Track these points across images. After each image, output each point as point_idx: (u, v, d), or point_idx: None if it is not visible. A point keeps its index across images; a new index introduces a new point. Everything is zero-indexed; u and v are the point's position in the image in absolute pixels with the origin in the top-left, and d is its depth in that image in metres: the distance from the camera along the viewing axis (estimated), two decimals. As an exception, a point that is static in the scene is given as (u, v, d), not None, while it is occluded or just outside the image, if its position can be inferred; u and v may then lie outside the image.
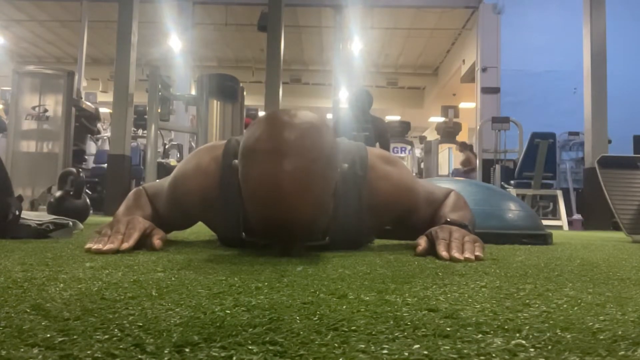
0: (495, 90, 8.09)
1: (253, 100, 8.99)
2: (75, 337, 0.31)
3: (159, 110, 5.96)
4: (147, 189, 1.16)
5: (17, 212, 1.17)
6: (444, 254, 0.88)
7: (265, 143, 0.80)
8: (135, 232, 0.92)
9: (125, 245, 0.89)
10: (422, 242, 0.96)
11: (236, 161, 0.86)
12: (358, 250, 1.07)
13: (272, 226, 0.82)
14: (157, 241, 0.94)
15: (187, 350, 0.29)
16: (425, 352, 0.29)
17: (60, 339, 0.31)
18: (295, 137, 0.79)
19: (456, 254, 0.87)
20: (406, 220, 1.11)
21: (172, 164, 6.30)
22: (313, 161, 0.79)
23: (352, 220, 1.00)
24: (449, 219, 1.01)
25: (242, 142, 0.85)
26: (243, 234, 0.95)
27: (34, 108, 5.59)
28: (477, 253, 0.89)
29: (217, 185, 0.99)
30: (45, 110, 5.61)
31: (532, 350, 0.30)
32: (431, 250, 0.94)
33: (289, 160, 0.77)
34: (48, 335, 0.32)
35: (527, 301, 0.48)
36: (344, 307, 0.43)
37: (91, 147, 7.53)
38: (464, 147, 8.19)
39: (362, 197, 1.00)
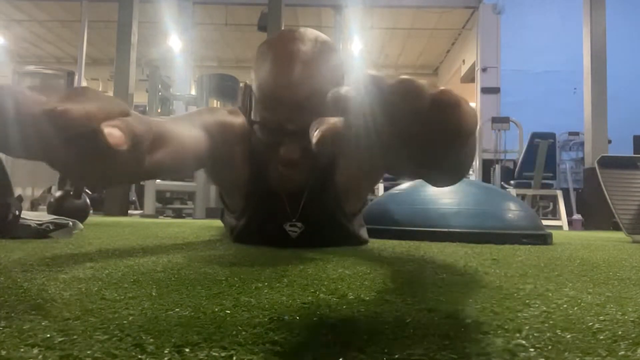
0: (495, 90, 8.09)
1: (253, 100, 8.97)
2: (75, 337, 0.31)
3: (159, 110, 5.96)
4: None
5: (17, 212, 1.17)
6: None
7: (280, 39, 0.89)
8: (88, 103, 0.33)
9: (52, 107, 0.31)
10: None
11: (247, 81, 0.93)
12: (357, 250, 1.07)
13: (280, 104, 0.84)
14: (109, 128, 0.32)
15: (187, 350, 0.29)
16: (425, 352, 0.29)
17: (60, 339, 0.31)
18: (309, 33, 0.90)
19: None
20: None
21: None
22: (325, 50, 0.88)
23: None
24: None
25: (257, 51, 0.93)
26: (252, 123, 0.90)
27: (34, 108, 5.58)
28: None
29: (243, 123, 0.99)
30: (45, 110, 5.60)
31: (532, 350, 0.30)
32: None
33: (303, 44, 0.87)
34: (48, 335, 0.32)
35: (527, 301, 0.48)
36: (344, 307, 0.43)
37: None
38: None
39: None
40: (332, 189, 1.02)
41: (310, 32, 0.91)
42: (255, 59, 0.91)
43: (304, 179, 0.96)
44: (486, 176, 6.34)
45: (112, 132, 0.33)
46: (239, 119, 1.02)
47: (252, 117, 0.91)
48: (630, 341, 0.33)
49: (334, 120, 0.33)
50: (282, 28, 6.25)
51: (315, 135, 0.33)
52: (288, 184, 0.96)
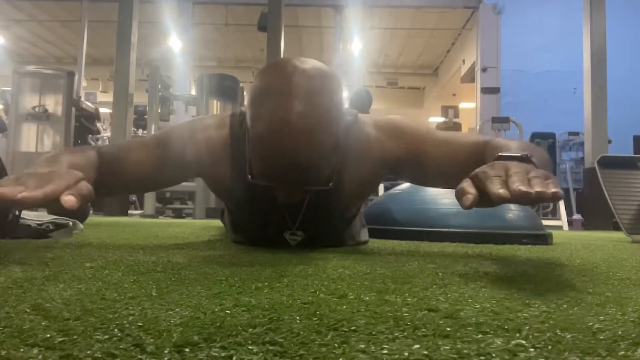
0: (495, 90, 8.09)
1: (253, 100, 8.98)
2: (75, 337, 0.31)
3: (159, 110, 5.97)
4: (100, 147, 1.02)
5: (17, 212, 1.17)
6: (500, 191, 0.56)
7: (276, 84, 0.83)
8: (50, 185, 0.64)
9: (23, 195, 0.61)
10: (467, 187, 0.60)
11: (244, 108, 0.90)
12: (357, 250, 1.07)
13: (278, 167, 0.82)
14: (66, 197, 0.63)
15: (187, 350, 0.29)
16: (425, 352, 0.29)
17: (60, 339, 0.31)
18: (306, 79, 0.82)
19: (522, 187, 0.55)
20: (410, 164, 0.99)
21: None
22: (322, 103, 0.82)
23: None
24: (502, 154, 0.68)
25: (252, 85, 0.87)
26: (249, 176, 0.90)
27: (34, 108, 5.59)
28: (553, 189, 0.56)
29: (227, 137, 1.00)
30: (46, 110, 5.61)
31: (532, 350, 0.30)
32: (481, 198, 0.60)
33: (299, 100, 0.80)
34: (48, 335, 0.32)
35: (527, 301, 0.48)
36: (344, 307, 0.43)
37: (91, 147, 7.50)
38: None
39: (350, 137, 0.99)
40: (333, 196, 1.01)
41: (308, 72, 0.84)
42: (249, 97, 0.87)
43: (304, 196, 0.94)
44: (486, 176, 6.33)
45: (68, 199, 0.63)
46: (223, 132, 1.01)
47: (248, 158, 0.90)
48: (630, 341, 0.33)
49: (474, 192, 0.60)
50: (283, 29, 6.26)
51: (465, 200, 0.59)
52: (287, 203, 0.94)
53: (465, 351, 0.30)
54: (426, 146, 0.98)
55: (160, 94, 5.98)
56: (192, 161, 1.00)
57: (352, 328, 0.35)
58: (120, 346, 0.30)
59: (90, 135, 6.80)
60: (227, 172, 1.01)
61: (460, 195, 0.60)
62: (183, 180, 1.11)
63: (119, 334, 0.32)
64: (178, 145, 1.00)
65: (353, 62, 9.20)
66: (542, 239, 1.58)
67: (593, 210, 5.39)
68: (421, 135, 1.00)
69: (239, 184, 0.99)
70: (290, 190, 0.88)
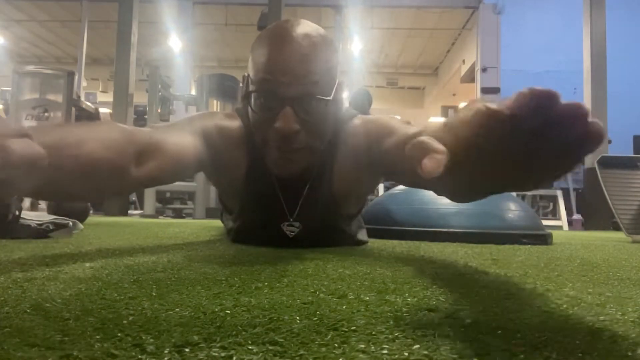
0: (495, 90, 8.08)
1: (253, 100, 8.99)
2: (75, 337, 0.32)
3: (159, 110, 5.97)
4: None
5: (17, 212, 1.17)
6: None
7: (274, 32, 0.90)
8: None
9: None
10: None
11: (245, 73, 0.94)
12: (357, 250, 1.07)
13: (278, 67, 0.85)
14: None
15: (187, 350, 0.29)
16: (425, 352, 0.29)
17: (60, 339, 0.31)
18: (303, 25, 0.90)
19: None
20: (391, 158, 0.89)
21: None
22: (319, 31, 0.91)
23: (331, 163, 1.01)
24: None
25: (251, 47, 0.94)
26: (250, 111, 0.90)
27: (34, 108, 5.58)
28: None
29: (240, 126, 1.02)
30: (46, 110, 5.61)
31: (532, 350, 0.30)
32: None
33: (297, 25, 0.89)
34: (48, 335, 0.32)
35: (527, 301, 0.48)
36: (344, 307, 0.43)
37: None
38: None
39: (343, 136, 1.02)
40: (329, 191, 1.02)
41: (304, 21, 0.93)
42: (251, 49, 0.92)
43: (302, 163, 0.92)
44: (486, 176, 6.33)
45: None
46: (235, 122, 1.02)
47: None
48: (631, 341, 0.33)
49: (440, 148, 0.32)
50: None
51: (425, 165, 0.32)
52: (287, 167, 0.91)
53: (465, 351, 0.30)
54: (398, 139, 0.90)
55: (160, 94, 5.98)
56: (209, 150, 0.94)
57: (352, 328, 0.35)
58: (120, 346, 0.30)
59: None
60: (242, 160, 1.01)
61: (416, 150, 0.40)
62: (200, 170, 1.03)
63: (119, 334, 0.32)
64: (204, 135, 0.94)
65: (353, 62, 9.20)
66: (542, 239, 1.58)
67: (593, 210, 5.39)
68: (396, 127, 0.92)
69: (251, 172, 1.01)
70: (289, 110, 0.84)
